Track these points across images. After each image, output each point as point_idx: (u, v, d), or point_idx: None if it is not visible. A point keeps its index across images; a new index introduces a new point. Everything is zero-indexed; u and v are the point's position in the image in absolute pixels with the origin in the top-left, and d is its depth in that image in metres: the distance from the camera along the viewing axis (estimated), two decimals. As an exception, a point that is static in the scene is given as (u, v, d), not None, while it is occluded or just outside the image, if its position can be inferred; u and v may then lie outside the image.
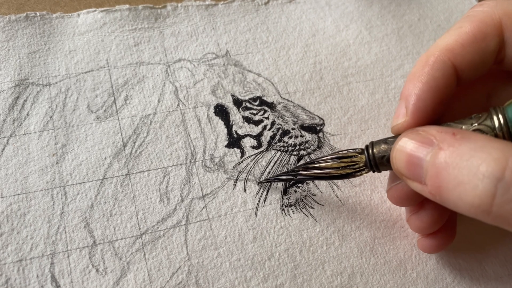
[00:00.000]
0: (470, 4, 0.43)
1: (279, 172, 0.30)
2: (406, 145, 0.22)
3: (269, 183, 0.30)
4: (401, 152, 0.23)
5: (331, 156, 0.27)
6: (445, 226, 0.27)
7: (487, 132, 0.21)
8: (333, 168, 0.26)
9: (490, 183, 0.18)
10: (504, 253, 0.30)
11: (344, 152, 0.26)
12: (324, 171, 0.26)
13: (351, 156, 0.26)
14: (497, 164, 0.18)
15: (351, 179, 0.31)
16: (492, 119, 0.22)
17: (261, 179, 0.30)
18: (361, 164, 0.25)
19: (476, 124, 0.22)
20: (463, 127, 0.22)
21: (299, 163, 0.30)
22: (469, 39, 0.24)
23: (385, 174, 0.32)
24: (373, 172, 0.25)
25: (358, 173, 0.26)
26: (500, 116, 0.21)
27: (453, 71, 0.24)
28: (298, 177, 0.28)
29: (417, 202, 0.27)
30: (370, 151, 0.25)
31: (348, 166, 0.26)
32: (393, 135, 0.25)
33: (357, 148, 0.26)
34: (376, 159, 0.25)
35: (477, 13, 0.25)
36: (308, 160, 0.31)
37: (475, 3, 0.43)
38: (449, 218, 0.28)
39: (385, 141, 0.25)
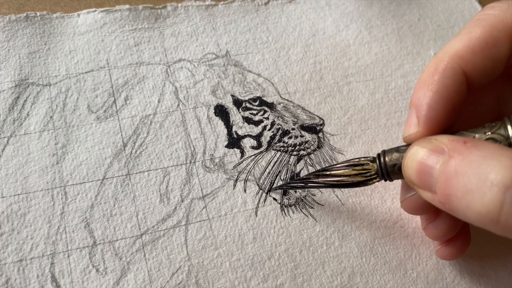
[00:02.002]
0: (470, 4, 0.43)
1: (290, 180, 0.30)
2: (418, 153, 0.22)
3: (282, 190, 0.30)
4: (412, 160, 0.22)
5: (343, 164, 0.26)
6: (460, 232, 0.27)
7: (501, 141, 0.21)
8: (345, 176, 0.26)
9: (499, 191, 0.18)
10: (504, 253, 0.30)
11: (356, 160, 0.26)
12: (336, 179, 0.26)
13: (362, 164, 0.26)
14: (507, 172, 0.18)
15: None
16: (506, 128, 0.21)
17: (273, 187, 0.30)
18: (373, 172, 0.25)
19: (489, 133, 0.22)
20: (476, 135, 0.22)
21: (311, 171, 0.30)
22: (480, 45, 0.23)
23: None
24: (385, 180, 0.25)
25: (370, 182, 0.26)
26: None
27: (463, 78, 0.24)
28: (309, 184, 0.28)
29: (432, 210, 0.26)
30: (382, 159, 0.25)
31: (360, 174, 0.26)
32: (404, 143, 0.25)
33: (368, 156, 0.26)
34: (387, 168, 0.25)
35: (487, 16, 0.24)
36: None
37: (475, 3, 0.43)
38: (464, 223, 0.27)
39: (397, 149, 0.25)
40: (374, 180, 0.26)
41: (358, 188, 0.31)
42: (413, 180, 0.22)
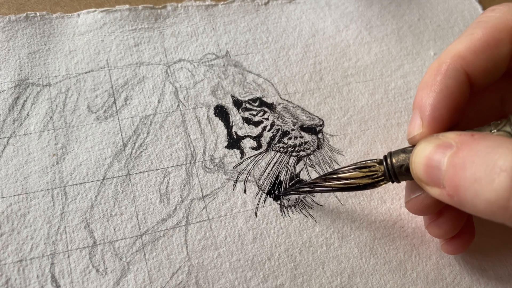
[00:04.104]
0: (470, 4, 0.43)
1: (297, 185, 0.30)
2: (425, 149, 0.22)
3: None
4: (420, 156, 0.22)
5: (349, 167, 0.26)
6: (464, 227, 0.27)
7: None
8: (352, 178, 0.26)
9: (507, 176, 0.17)
10: (504, 253, 0.30)
11: (362, 162, 0.26)
12: (343, 182, 0.26)
13: (369, 166, 0.26)
14: None
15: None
16: (511, 125, 0.21)
17: (280, 192, 0.30)
18: (380, 174, 0.25)
19: (495, 130, 0.22)
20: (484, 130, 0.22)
21: (318, 176, 0.30)
22: (481, 45, 0.24)
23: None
24: (392, 182, 0.25)
25: (377, 184, 0.26)
26: None
27: (466, 78, 0.24)
28: (317, 189, 0.28)
29: (436, 210, 0.26)
30: (389, 160, 0.25)
31: (367, 176, 0.25)
32: (409, 145, 0.25)
33: (375, 159, 0.26)
34: (395, 169, 0.24)
35: (489, 18, 0.24)
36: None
37: (475, 3, 0.43)
38: (468, 219, 0.28)
39: (403, 150, 0.25)
40: (381, 182, 0.25)
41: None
42: (420, 177, 0.22)
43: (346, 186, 0.26)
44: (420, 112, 0.24)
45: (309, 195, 0.30)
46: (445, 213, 0.27)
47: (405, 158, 0.24)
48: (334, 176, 0.27)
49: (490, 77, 0.24)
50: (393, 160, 0.25)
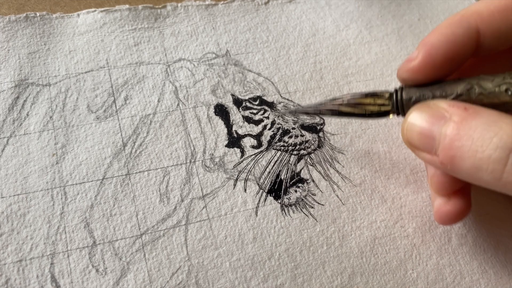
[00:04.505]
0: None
1: (305, 106, 0.30)
2: (419, 118, 0.23)
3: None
4: (413, 125, 0.24)
5: (360, 93, 0.27)
6: (460, 192, 0.28)
7: None
8: (360, 104, 0.26)
9: (503, 152, 0.20)
10: (504, 253, 0.30)
11: (372, 92, 0.27)
12: (350, 107, 0.27)
13: (380, 96, 0.26)
14: (509, 137, 0.20)
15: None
16: None
17: (288, 111, 0.30)
18: (387, 103, 0.26)
19: (509, 79, 0.22)
20: (496, 79, 0.23)
21: (325, 99, 0.29)
22: (500, 7, 0.25)
23: (385, 174, 0.32)
24: (397, 115, 0.26)
25: (384, 114, 0.26)
26: None
27: (475, 33, 0.25)
28: (323, 109, 0.28)
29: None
30: (399, 93, 0.25)
31: (376, 104, 0.26)
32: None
33: (387, 90, 0.27)
34: (403, 102, 0.25)
35: None
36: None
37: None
38: (464, 186, 0.28)
39: (416, 86, 0.25)
40: (389, 114, 0.26)
41: (358, 187, 0.31)
42: (413, 143, 0.24)
43: (352, 112, 0.27)
44: (419, 47, 0.25)
45: (310, 194, 0.30)
46: None
47: (416, 92, 0.25)
48: (341, 100, 0.27)
49: (501, 41, 0.25)
50: (403, 93, 0.25)
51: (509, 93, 0.22)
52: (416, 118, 0.24)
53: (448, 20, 0.26)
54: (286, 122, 0.32)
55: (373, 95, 0.26)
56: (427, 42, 0.25)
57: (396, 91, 0.26)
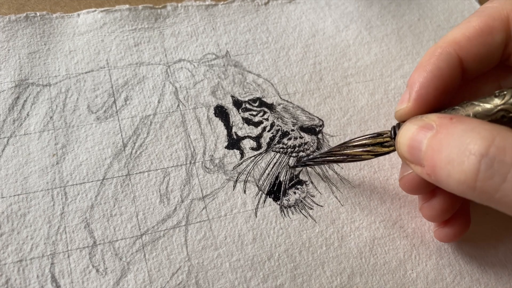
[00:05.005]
0: (470, 4, 0.43)
1: (312, 156, 0.31)
2: (409, 130, 0.23)
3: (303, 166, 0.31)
4: (404, 137, 0.24)
5: (362, 137, 0.27)
6: (458, 214, 0.28)
7: None
8: (365, 146, 0.27)
9: (475, 159, 0.19)
10: (504, 253, 0.30)
11: (374, 134, 0.27)
12: (358, 150, 0.27)
13: (381, 134, 0.27)
14: (484, 142, 0.19)
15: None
16: None
17: (294, 164, 0.31)
18: (391, 142, 0.26)
19: (498, 101, 0.22)
20: (487, 105, 0.22)
21: (331, 147, 0.30)
22: (475, 32, 0.25)
23: (384, 175, 0.32)
24: None
25: (389, 152, 0.27)
26: None
27: (458, 62, 0.25)
28: (331, 158, 0.29)
29: (428, 190, 0.27)
30: (397, 130, 0.26)
31: (379, 144, 0.27)
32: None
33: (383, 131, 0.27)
34: None
35: (486, 9, 0.26)
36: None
37: (475, 4, 0.43)
38: (462, 206, 0.28)
39: None
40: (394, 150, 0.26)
41: (356, 189, 0.31)
42: (405, 156, 0.24)
43: (361, 154, 0.27)
44: (409, 89, 0.25)
45: (309, 195, 0.30)
46: (437, 194, 0.27)
47: None
48: (349, 145, 0.28)
49: (484, 64, 0.25)
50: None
51: (505, 120, 0.22)
52: (407, 129, 0.24)
53: (428, 55, 0.26)
54: (286, 124, 0.32)
55: (378, 135, 0.27)
56: (414, 83, 0.25)
57: (394, 127, 0.26)
